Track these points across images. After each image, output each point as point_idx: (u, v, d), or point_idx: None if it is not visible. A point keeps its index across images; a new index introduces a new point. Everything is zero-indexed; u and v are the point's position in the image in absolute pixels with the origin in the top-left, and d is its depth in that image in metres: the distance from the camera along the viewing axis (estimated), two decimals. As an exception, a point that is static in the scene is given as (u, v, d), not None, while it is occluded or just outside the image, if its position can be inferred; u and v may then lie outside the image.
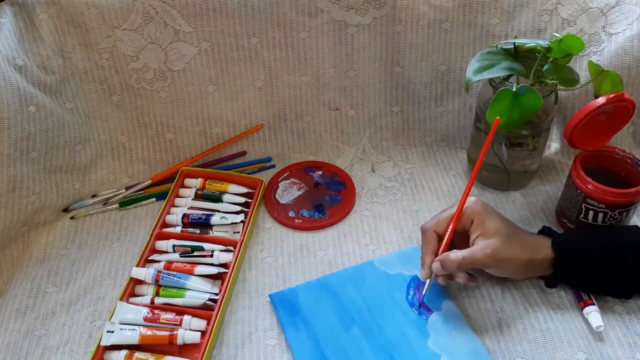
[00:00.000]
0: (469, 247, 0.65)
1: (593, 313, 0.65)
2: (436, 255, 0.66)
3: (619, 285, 0.66)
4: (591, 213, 0.71)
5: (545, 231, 0.69)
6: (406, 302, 0.69)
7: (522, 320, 0.67)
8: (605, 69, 0.68)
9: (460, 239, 0.67)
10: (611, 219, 0.70)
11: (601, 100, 0.67)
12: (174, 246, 0.74)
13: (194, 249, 0.73)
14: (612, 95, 0.67)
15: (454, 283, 0.69)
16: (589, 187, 0.69)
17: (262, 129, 0.88)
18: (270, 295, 0.70)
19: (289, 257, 0.75)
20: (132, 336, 0.64)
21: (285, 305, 0.69)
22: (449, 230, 0.66)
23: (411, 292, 0.70)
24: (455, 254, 0.64)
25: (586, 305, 0.66)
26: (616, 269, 0.64)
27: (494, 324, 0.66)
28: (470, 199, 0.67)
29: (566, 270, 0.65)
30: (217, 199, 0.80)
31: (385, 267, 0.72)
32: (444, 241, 0.66)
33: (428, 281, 0.67)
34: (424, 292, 0.67)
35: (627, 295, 0.67)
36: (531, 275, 0.68)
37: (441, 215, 0.68)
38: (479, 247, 0.64)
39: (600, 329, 0.64)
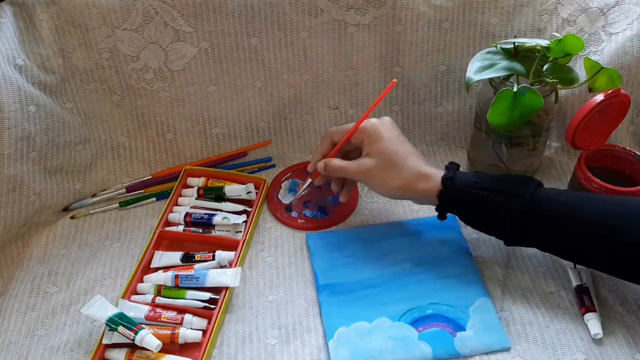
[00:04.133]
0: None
1: (593, 320, 0.65)
2: (324, 157, 0.75)
3: (501, 230, 0.66)
4: None
5: (449, 166, 0.70)
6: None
7: (522, 320, 0.67)
8: (603, 66, 0.68)
9: (356, 153, 0.74)
10: None
11: (599, 97, 0.67)
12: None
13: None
14: (609, 92, 0.67)
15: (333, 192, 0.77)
16: (595, 186, 0.69)
17: (262, 128, 0.88)
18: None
19: (289, 257, 0.75)
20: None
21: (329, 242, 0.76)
22: (341, 141, 0.73)
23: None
24: (336, 161, 0.73)
25: (587, 311, 0.65)
26: (500, 215, 0.64)
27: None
28: (383, 119, 0.72)
29: (450, 205, 0.68)
30: (219, 192, 0.80)
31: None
32: (335, 148, 0.74)
33: (308, 181, 0.77)
34: (301, 189, 0.78)
35: (507, 242, 0.67)
36: (408, 198, 0.72)
37: (345, 125, 0.74)
38: (357, 163, 0.71)
39: (598, 336, 0.64)
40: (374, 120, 0.72)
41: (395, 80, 0.72)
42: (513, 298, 0.69)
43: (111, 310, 0.65)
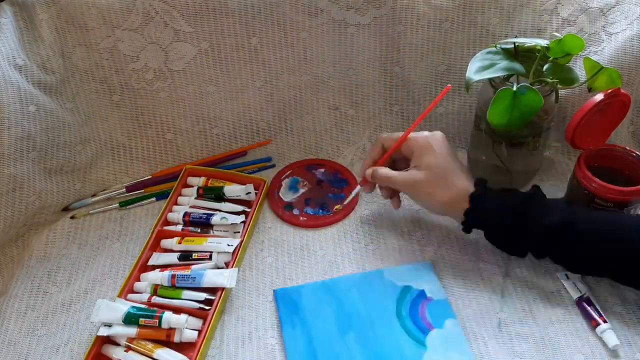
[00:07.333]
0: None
1: (607, 331, 0.63)
2: (375, 163, 0.75)
3: (517, 245, 0.68)
4: None
5: (477, 182, 0.70)
6: (408, 315, 0.67)
7: (522, 321, 0.67)
8: (603, 66, 0.68)
9: (405, 164, 0.74)
10: None
11: (599, 97, 0.67)
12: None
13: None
14: (609, 91, 0.67)
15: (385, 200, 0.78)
16: (595, 186, 0.69)
17: (262, 129, 0.88)
18: (274, 291, 0.70)
19: (289, 256, 0.75)
20: (129, 331, 0.64)
21: (287, 302, 0.69)
22: (391, 148, 0.73)
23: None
24: (384, 170, 0.72)
25: (598, 324, 0.65)
26: (520, 234, 0.66)
27: (494, 324, 0.66)
28: (435, 133, 0.71)
29: (476, 223, 0.69)
30: (219, 192, 0.80)
31: (393, 278, 0.71)
32: (384, 157, 0.74)
33: (357, 188, 0.78)
34: (350, 196, 0.79)
35: (521, 255, 0.69)
36: (450, 215, 0.71)
37: (397, 133, 0.74)
38: (405, 174, 0.71)
39: (617, 348, 0.63)
40: (426, 133, 0.71)
41: (449, 85, 0.71)
42: (513, 299, 0.69)
43: (122, 308, 0.65)
